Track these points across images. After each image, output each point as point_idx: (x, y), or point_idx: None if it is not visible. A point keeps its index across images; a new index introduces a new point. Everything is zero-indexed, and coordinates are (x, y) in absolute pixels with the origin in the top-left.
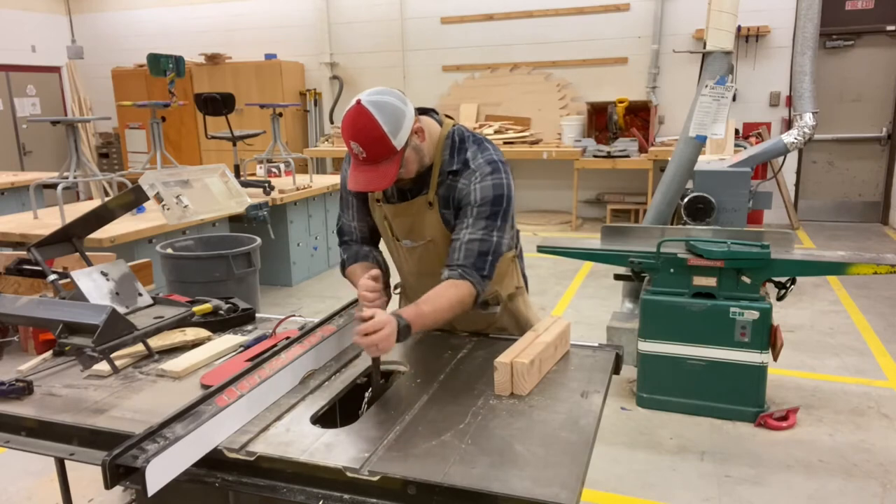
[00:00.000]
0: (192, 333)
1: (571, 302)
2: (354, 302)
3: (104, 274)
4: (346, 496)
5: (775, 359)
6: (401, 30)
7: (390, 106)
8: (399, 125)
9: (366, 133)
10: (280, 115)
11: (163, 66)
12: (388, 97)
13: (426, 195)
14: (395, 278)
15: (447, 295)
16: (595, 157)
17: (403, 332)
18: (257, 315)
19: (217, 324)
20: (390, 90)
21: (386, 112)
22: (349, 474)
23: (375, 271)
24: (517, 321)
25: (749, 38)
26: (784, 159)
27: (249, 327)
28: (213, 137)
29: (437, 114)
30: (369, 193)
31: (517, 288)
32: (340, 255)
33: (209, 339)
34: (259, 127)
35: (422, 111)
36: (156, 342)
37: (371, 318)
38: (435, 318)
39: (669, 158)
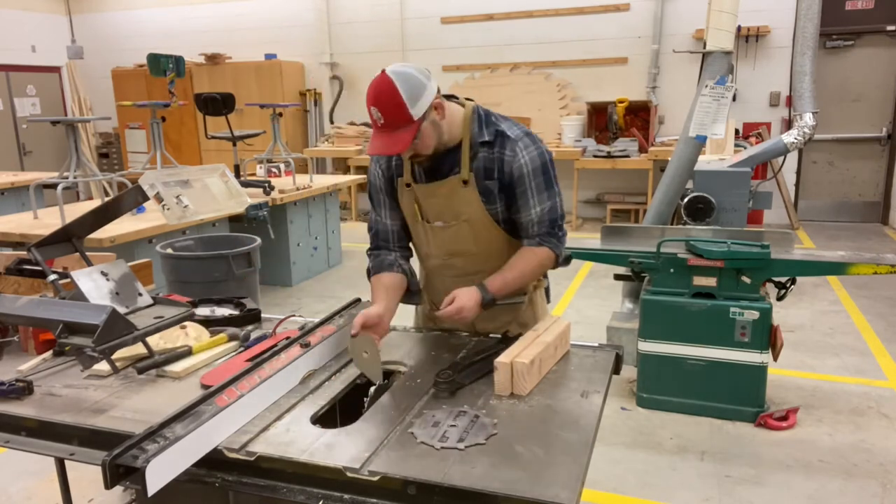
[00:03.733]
0: (193, 332)
1: (571, 302)
2: (355, 302)
3: (104, 274)
4: (346, 496)
5: (775, 359)
6: (401, 30)
7: (411, 77)
8: (418, 95)
9: (385, 99)
10: (280, 115)
11: (163, 66)
12: (411, 70)
13: (459, 175)
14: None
15: (529, 259)
16: (595, 157)
17: (488, 304)
18: None
19: (218, 323)
20: (416, 65)
21: (406, 81)
22: (349, 474)
23: (376, 309)
24: (535, 317)
25: (749, 38)
26: (784, 159)
27: (250, 327)
28: (213, 137)
29: (457, 98)
30: (398, 181)
31: (539, 279)
32: (369, 261)
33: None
34: (259, 127)
35: (445, 97)
36: (158, 344)
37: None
38: (520, 281)
39: (669, 158)
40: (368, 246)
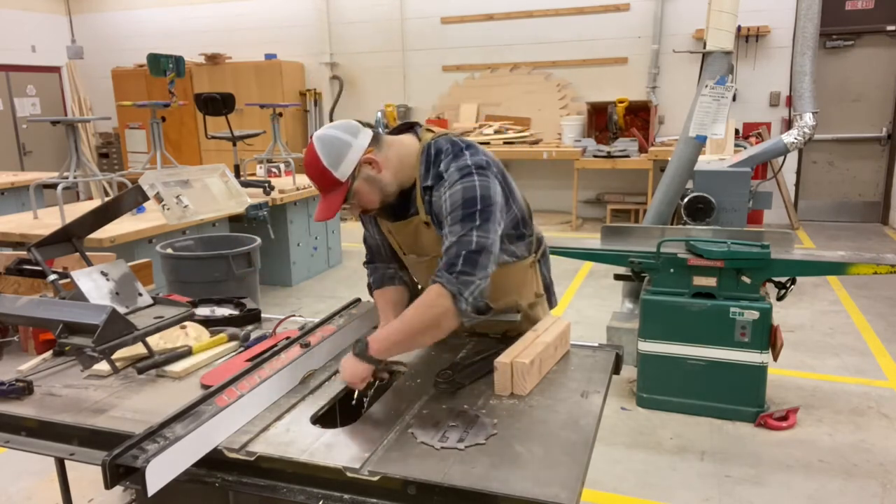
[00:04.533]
0: (193, 332)
1: (571, 302)
2: (355, 302)
3: (104, 274)
4: (346, 496)
5: (775, 359)
6: (401, 30)
7: (334, 139)
8: (340, 157)
9: (311, 166)
10: (280, 115)
11: (163, 66)
12: (336, 131)
13: (419, 216)
14: None
15: (416, 302)
16: (595, 157)
17: (360, 350)
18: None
19: (218, 323)
20: (347, 123)
21: (327, 145)
22: (349, 474)
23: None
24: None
25: (749, 38)
26: (784, 159)
27: (250, 327)
28: (213, 137)
29: (418, 128)
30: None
31: (537, 296)
32: (367, 274)
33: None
34: (259, 127)
35: (408, 126)
36: (158, 344)
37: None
38: (403, 330)
39: (669, 158)
40: (364, 259)
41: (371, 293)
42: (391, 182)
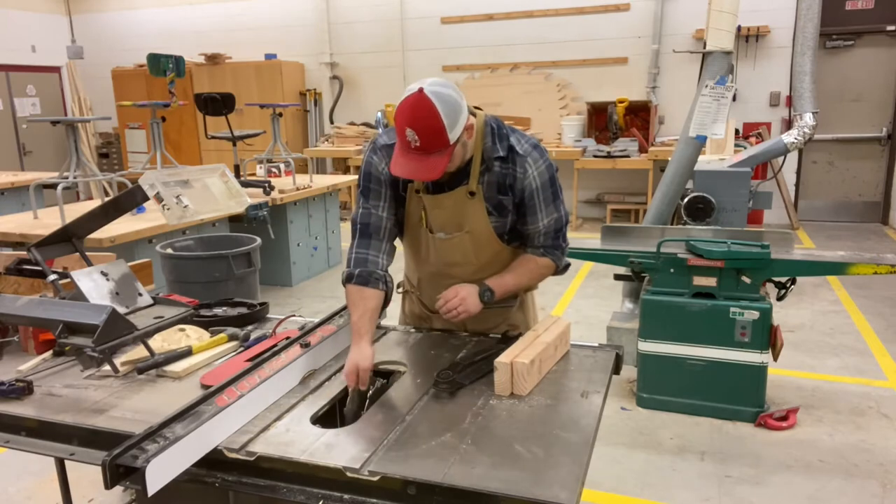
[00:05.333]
0: (194, 334)
1: (571, 302)
2: None
3: (104, 274)
4: (346, 496)
5: (775, 359)
6: (401, 30)
7: (451, 99)
8: (456, 120)
9: (425, 122)
10: (280, 115)
11: (163, 66)
12: (450, 91)
13: (466, 186)
14: (397, 276)
15: (529, 266)
16: (595, 157)
17: (485, 293)
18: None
19: (218, 323)
20: (450, 83)
21: (446, 105)
22: (349, 474)
23: (369, 349)
24: (525, 318)
25: (749, 38)
26: (784, 159)
27: (250, 327)
28: (213, 137)
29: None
30: (408, 186)
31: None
32: (349, 261)
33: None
34: (259, 127)
35: None
36: (162, 347)
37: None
38: (517, 285)
39: (669, 158)
40: (354, 240)
41: (347, 281)
42: (469, 150)
